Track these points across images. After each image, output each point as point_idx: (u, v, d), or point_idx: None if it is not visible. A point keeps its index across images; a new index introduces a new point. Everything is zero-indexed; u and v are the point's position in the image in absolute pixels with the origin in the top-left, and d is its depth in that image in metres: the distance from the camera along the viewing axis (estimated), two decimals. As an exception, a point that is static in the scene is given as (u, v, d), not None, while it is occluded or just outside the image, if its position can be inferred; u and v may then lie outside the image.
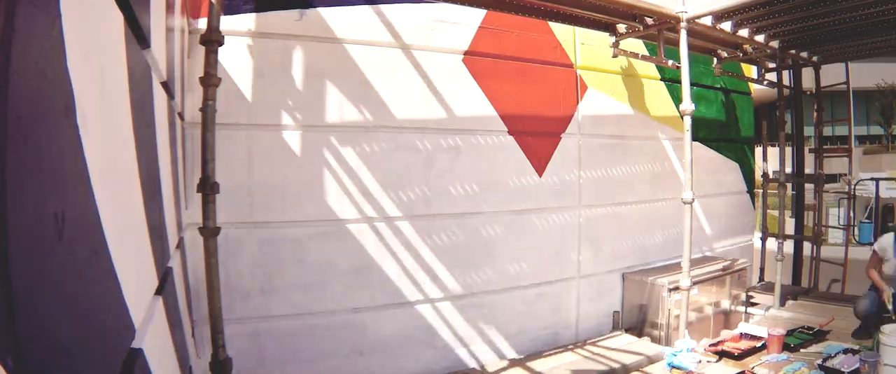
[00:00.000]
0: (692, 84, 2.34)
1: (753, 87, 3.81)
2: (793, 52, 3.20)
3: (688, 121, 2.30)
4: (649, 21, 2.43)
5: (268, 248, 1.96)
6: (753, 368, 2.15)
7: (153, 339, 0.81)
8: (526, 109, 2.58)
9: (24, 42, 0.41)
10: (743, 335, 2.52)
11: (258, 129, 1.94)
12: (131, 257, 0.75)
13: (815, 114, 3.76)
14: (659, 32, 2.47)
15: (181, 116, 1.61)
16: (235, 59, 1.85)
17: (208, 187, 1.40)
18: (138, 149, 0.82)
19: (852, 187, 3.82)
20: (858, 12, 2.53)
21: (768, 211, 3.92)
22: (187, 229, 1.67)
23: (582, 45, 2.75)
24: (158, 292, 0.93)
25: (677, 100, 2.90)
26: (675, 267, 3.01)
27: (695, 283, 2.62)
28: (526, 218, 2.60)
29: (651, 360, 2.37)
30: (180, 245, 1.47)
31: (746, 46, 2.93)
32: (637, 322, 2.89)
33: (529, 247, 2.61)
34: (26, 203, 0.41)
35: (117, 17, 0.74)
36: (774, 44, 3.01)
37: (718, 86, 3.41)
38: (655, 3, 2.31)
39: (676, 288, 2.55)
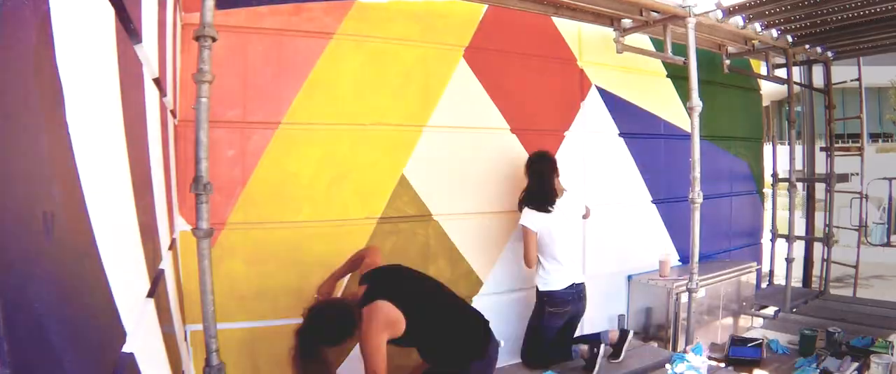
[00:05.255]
0: (699, 80, 2.31)
1: (762, 84, 3.77)
2: (805, 47, 3.17)
3: (695, 118, 2.26)
4: (656, 15, 2.39)
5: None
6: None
7: (145, 343, 0.80)
8: (528, 106, 2.54)
9: (12, 38, 0.40)
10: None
11: (253, 126, 1.92)
12: (122, 258, 0.74)
13: (826, 111, 3.72)
14: (665, 27, 2.43)
15: (174, 113, 1.59)
16: (230, 55, 1.83)
17: (201, 187, 1.37)
18: (129, 147, 0.80)
19: (865, 186, 3.80)
20: (873, 7, 2.48)
21: (778, 212, 3.89)
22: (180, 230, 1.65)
23: (586, 40, 2.72)
24: (150, 294, 0.92)
25: (684, 97, 2.87)
26: (683, 270, 2.99)
27: (702, 286, 2.59)
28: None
29: (657, 364, 2.34)
30: (173, 247, 1.45)
31: (756, 42, 2.90)
32: (643, 326, 2.87)
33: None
34: (15, 203, 0.40)
35: (108, 12, 0.72)
36: (786, 39, 2.97)
37: (726, 83, 3.38)
38: (662, -3, 2.27)
39: (683, 291, 2.52)
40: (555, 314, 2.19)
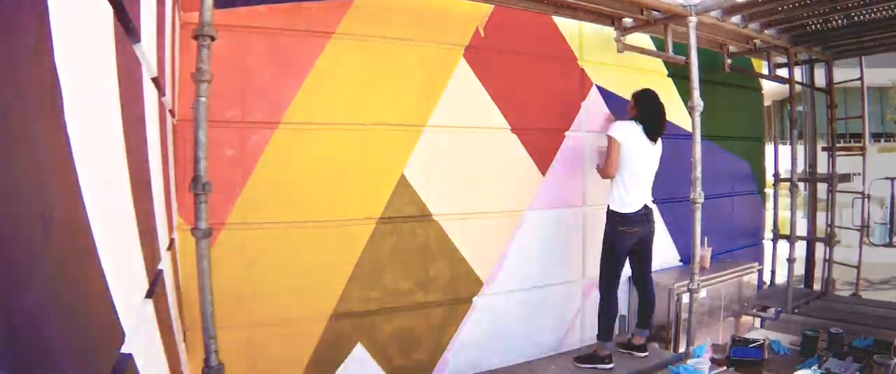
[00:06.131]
0: (701, 80, 2.30)
1: (764, 83, 3.76)
2: (805, 47, 3.16)
3: (696, 117, 2.25)
4: (656, 14, 2.39)
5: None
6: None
7: (143, 344, 0.80)
8: (529, 106, 2.54)
9: (11, 37, 0.40)
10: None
11: (252, 126, 1.92)
12: (121, 258, 0.74)
13: (828, 111, 3.71)
14: (666, 26, 2.43)
15: (172, 113, 1.58)
16: (229, 54, 1.83)
17: (200, 187, 1.37)
18: (128, 147, 0.80)
19: (867, 186, 3.79)
20: (872, 7, 2.47)
21: (779, 212, 3.87)
22: (178, 230, 1.65)
23: (586, 39, 2.70)
24: (149, 295, 0.91)
25: (685, 96, 2.85)
26: (683, 270, 2.98)
27: (703, 286, 2.59)
28: (529, 218, 2.57)
29: (658, 365, 2.34)
30: (172, 247, 1.45)
31: (757, 41, 2.90)
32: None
33: (533, 248, 2.58)
34: (13, 203, 0.40)
35: (107, 11, 0.72)
36: (786, 39, 2.96)
37: (728, 82, 3.37)
38: (663, -4, 2.26)
39: (684, 291, 2.52)
40: (625, 234, 2.28)
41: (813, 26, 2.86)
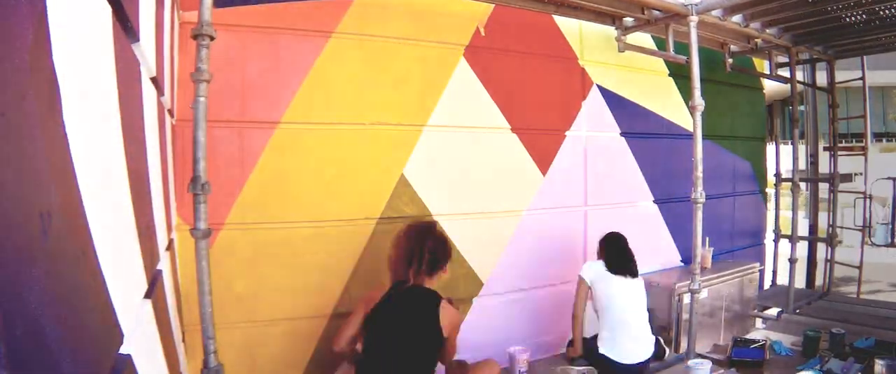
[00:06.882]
0: (702, 79, 2.30)
1: (765, 83, 3.75)
2: (806, 46, 3.16)
3: (697, 117, 2.24)
4: (657, 14, 2.38)
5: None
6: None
7: (142, 344, 0.79)
8: (529, 106, 2.53)
9: (8, 36, 0.39)
10: None
11: (251, 126, 1.91)
12: (120, 258, 0.73)
13: (829, 111, 3.70)
14: (667, 26, 2.42)
15: (171, 112, 1.58)
16: (229, 53, 1.83)
17: (199, 187, 1.37)
18: (127, 147, 0.80)
19: (869, 186, 3.78)
20: (875, 6, 2.47)
21: (781, 212, 3.87)
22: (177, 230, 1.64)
23: (587, 39, 2.70)
24: (148, 295, 0.91)
25: (686, 95, 2.85)
26: (684, 271, 2.98)
27: (704, 287, 2.58)
28: (530, 218, 2.56)
29: (659, 366, 2.33)
30: (170, 247, 1.44)
31: (758, 40, 2.89)
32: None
33: (533, 248, 2.57)
34: (11, 203, 0.39)
35: (105, 10, 0.72)
36: (787, 38, 2.96)
37: (729, 81, 3.36)
38: (664, -5, 2.26)
39: (685, 292, 2.51)
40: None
41: (812, 26, 2.84)
